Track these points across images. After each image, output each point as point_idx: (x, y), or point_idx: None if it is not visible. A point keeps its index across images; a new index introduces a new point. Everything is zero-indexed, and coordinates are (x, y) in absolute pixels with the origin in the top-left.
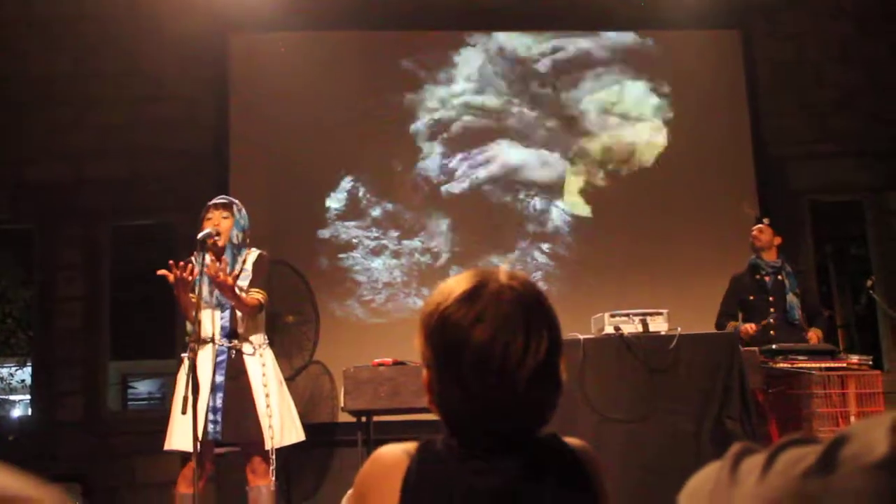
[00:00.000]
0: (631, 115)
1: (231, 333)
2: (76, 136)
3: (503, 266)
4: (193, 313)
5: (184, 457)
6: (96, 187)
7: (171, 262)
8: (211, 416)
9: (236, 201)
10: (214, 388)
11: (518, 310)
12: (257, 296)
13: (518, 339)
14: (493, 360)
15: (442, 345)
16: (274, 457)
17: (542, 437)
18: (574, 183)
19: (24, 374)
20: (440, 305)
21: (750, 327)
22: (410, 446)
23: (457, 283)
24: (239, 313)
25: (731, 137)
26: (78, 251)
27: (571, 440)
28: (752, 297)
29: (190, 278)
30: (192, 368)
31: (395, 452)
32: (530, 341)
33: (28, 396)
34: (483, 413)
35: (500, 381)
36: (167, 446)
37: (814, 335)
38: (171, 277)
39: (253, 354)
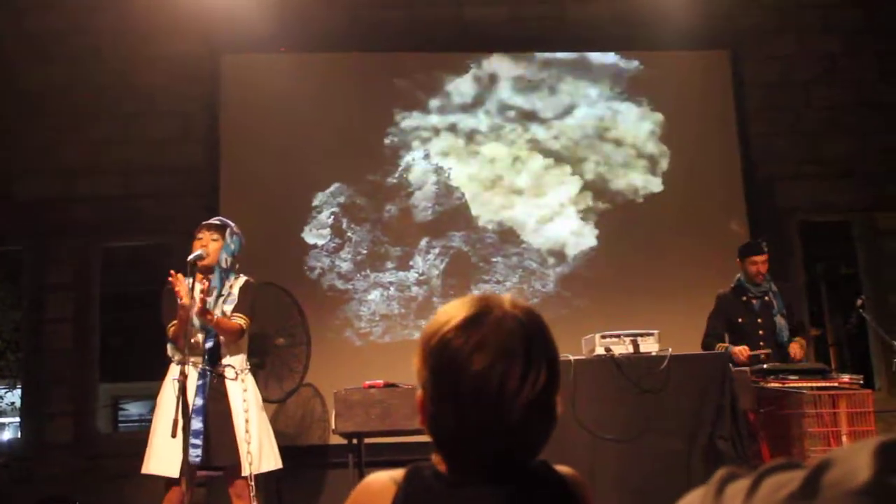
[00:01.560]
0: (620, 138)
1: (214, 357)
2: (67, 152)
3: (507, 295)
4: (184, 335)
5: (167, 482)
6: (87, 205)
7: (171, 272)
8: (193, 440)
9: (231, 224)
10: (197, 412)
11: (519, 340)
12: (239, 320)
13: (516, 369)
14: (489, 389)
15: (440, 369)
16: (253, 482)
17: (532, 464)
18: (564, 206)
19: (14, 396)
20: (441, 329)
21: (744, 350)
22: (397, 474)
23: (460, 307)
24: (222, 337)
25: (720, 157)
26: (68, 271)
27: (561, 468)
28: (740, 320)
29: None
30: (183, 391)
31: (383, 480)
32: (529, 373)
33: (17, 419)
34: (475, 439)
35: (496, 410)
36: (145, 470)
37: (797, 346)
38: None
39: (235, 379)
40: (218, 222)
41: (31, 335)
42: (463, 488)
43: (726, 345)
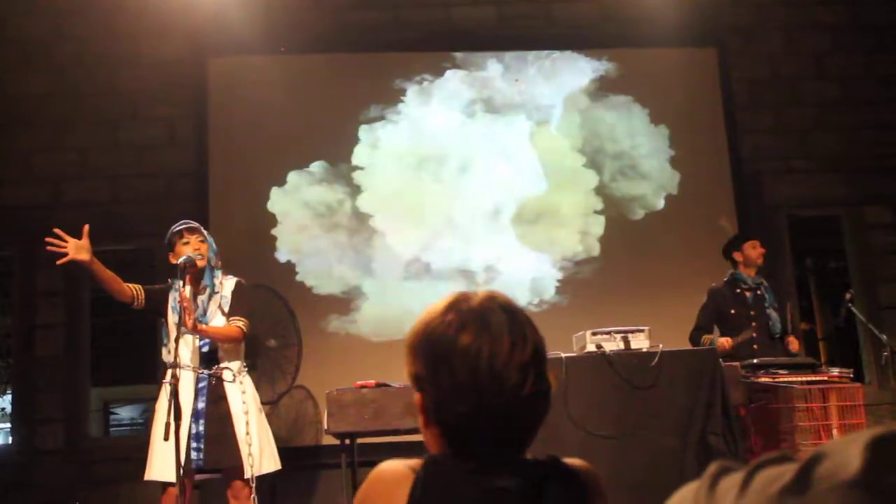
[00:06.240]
0: (607, 136)
1: (211, 360)
2: (53, 157)
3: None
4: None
5: (164, 485)
6: (74, 210)
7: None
8: (194, 444)
9: (199, 226)
10: (196, 415)
11: (500, 316)
12: (239, 323)
13: (503, 339)
14: (481, 361)
15: (432, 357)
16: (255, 483)
17: (543, 458)
18: (552, 202)
19: (5, 402)
20: (425, 324)
21: (726, 341)
22: (413, 462)
23: (437, 303)
24: (223, 343)
25: (708, 153)
26: (57, 277)
27: (574, 461)
28: (732, 311)
29: (62, 249)
30: (175, 394)
31: (399, 467)
32: (515, 341)
33: (8, 425)
34: (479, 419)
35: (492, 380)
36: (148, 476)
37: (794, 341)
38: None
39: (233, 381)
40: (195, 224)
41: (22, 341)
42: (484, 477)
43: (712, 337)
